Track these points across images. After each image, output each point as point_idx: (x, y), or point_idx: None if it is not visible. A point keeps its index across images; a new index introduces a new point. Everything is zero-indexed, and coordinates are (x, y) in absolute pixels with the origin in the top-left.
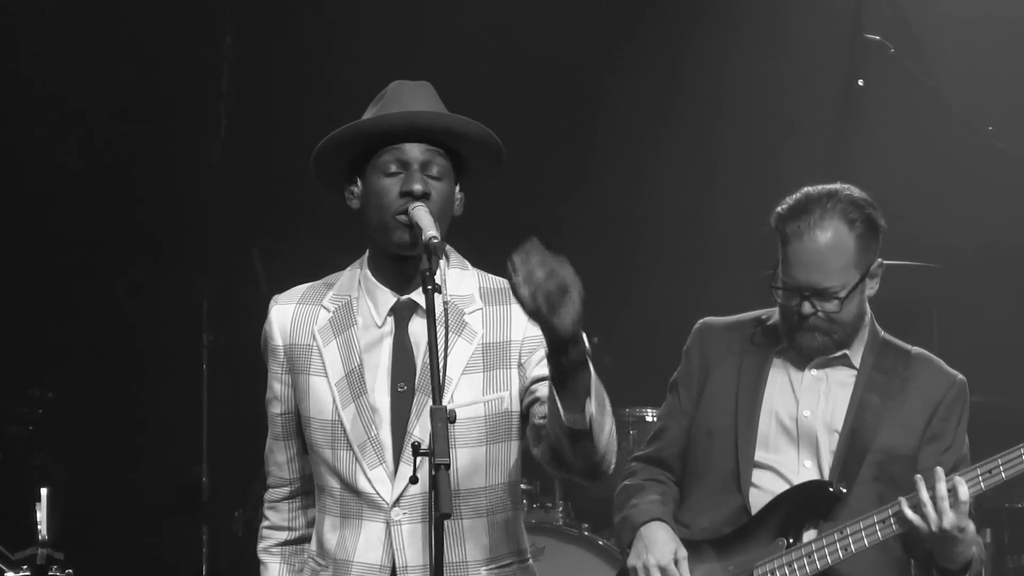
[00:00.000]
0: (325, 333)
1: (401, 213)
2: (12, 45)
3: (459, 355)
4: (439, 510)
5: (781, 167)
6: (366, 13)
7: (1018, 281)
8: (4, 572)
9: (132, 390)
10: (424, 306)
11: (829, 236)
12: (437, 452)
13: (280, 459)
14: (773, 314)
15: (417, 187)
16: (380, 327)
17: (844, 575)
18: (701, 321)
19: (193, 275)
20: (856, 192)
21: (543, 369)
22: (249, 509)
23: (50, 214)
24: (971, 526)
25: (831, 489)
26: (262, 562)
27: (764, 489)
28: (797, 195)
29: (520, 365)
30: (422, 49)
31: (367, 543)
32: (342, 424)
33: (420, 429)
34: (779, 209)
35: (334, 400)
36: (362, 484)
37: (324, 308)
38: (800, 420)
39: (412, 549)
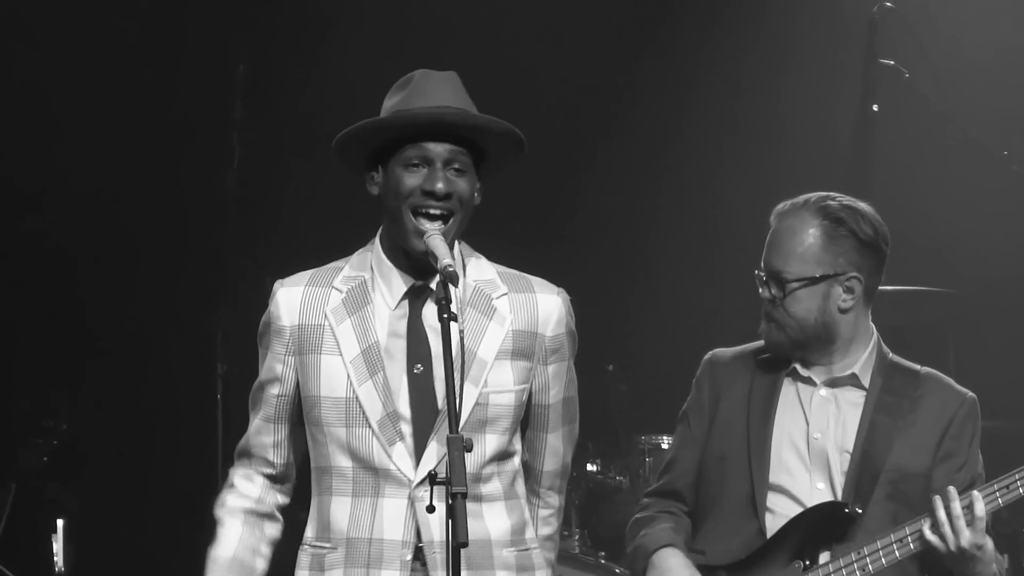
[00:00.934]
0: (338, 312)
1: (419, 215)
2: (33, 70)
3: (492, 339)
4: (456, 539)
5: (797, 192)
6: (380, 40)
7: None
8: None
9: (146, 420)
10: (444, 293)
11: (793, 222)
12: (454, 481)
13: (267, 441)
14: None
15: (440, 186)
16: (393, 310)
17: None
18: (710, 352)
19: (208, 305)
20: (847, 201)
21: (554, 396)
22: None
23: (63, 244)
24: (989, 544)
25: (846, 510)
26: (219, 520)
27: (777, 512)
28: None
29: (540, 362)
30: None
31: (390, 520)
32: (358, 401)
33: (463, 412)
34: None
35: (349, 377)
36: (381, 460)
37: (335, 289)
38: (811, 442)
39: (438, 525)
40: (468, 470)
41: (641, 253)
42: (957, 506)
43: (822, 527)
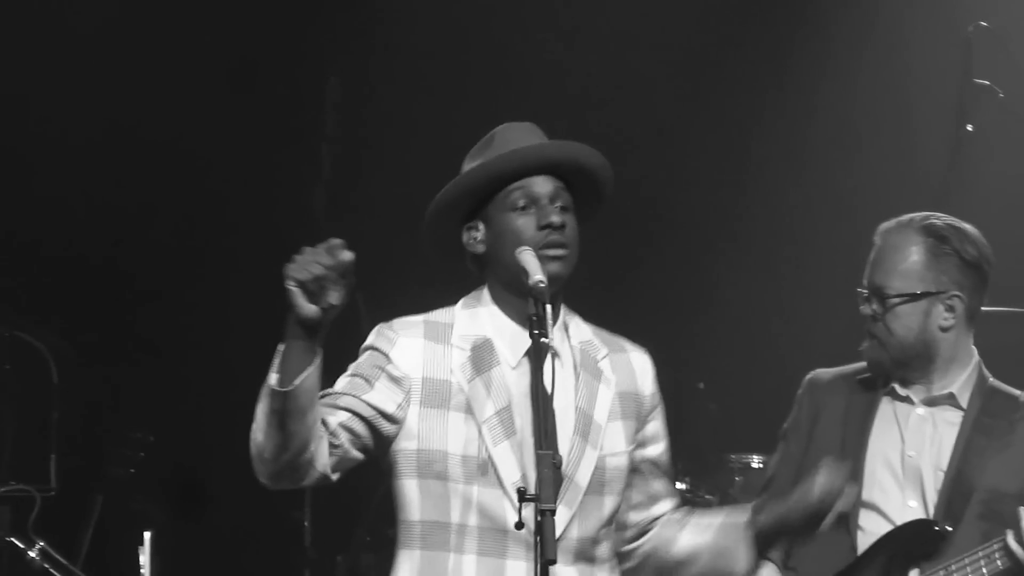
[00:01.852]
0: (466, 370)
1: (546, 247)
2: (115, 87)
3: (603, 401)
4: (544, 556)
5: (890, 214)
6: (472, 50)
7: None
8: None
9: (231, 433)
10: (556, 350)
11: (897, 239)
12: (543, 498)
13: (336, 415)
14: None
15: (556, 219)
16: (515, 368)
17: None
18: (812, 372)
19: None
20: (951, 221)
21: (655, 449)
22: (351, 555)
23: (153, 261)
24: None
25: (936, 528)
26: None
27: (869, 530)
28: None
29: (643, 423)
30: (528, 83)
31: None
32: (492, 462)
33: (585, 475)
34: None
35: (481, 436)
36: (509, 514)
37: (456, 348)
38: (906, 460)
39: None
40: (587, 534)
41: (733, 270)
42: None
43: (912, 545)
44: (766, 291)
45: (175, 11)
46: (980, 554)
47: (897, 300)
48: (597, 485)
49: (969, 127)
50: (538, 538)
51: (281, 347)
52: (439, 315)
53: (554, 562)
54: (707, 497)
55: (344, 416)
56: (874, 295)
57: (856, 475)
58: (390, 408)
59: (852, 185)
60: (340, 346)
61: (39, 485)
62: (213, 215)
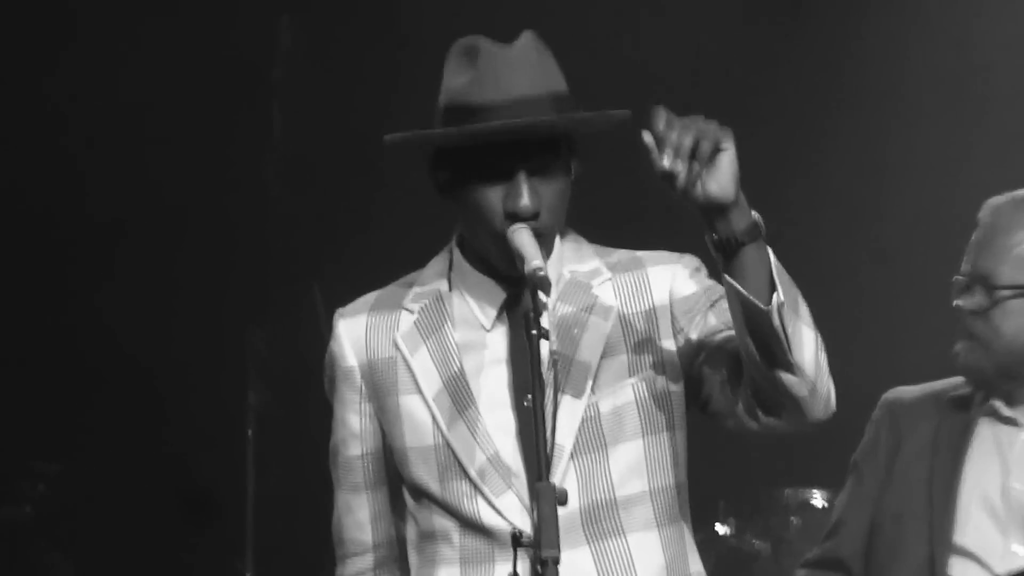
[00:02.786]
0: (410, 338)
1: (503, 237)
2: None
3: (594, 336)
4: None
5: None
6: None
7: None
8: None
9: (160, 463)
10: (532, 305)
11: (1010, 219)
12: (544, 543)
13: (362, 517)
14: None
15: (524, 204)
16: (489, 330)
17: None
18: (891, 391)
19: (237, 318)
20: None
21: (714, 318)
22: None
23: (55, 229)
24: None
25: None
26: None
27: None
28: None
29: (677, 332)
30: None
31: None
32: (449, 447)
33: (567, 432)
34: None
35: (434, 419)
36: (489, 518)
37: (406, 310)
38: (1009, 494)
39: None
40: (597, 502)
41: (791, 252)
42: None
43: None
44: (834, 283)
45: None
46: None
47: (1008, 293)
48: (593, 440)
49: None
50: None
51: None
52: (408, 277)
53: None
54: (756, 544)
55: (366, 509)
56: (978, 285)
57: (947, 514)
58: (359, 424)
59: (937, 176)
60: (296, 350)
61: None
62: (120, 188)
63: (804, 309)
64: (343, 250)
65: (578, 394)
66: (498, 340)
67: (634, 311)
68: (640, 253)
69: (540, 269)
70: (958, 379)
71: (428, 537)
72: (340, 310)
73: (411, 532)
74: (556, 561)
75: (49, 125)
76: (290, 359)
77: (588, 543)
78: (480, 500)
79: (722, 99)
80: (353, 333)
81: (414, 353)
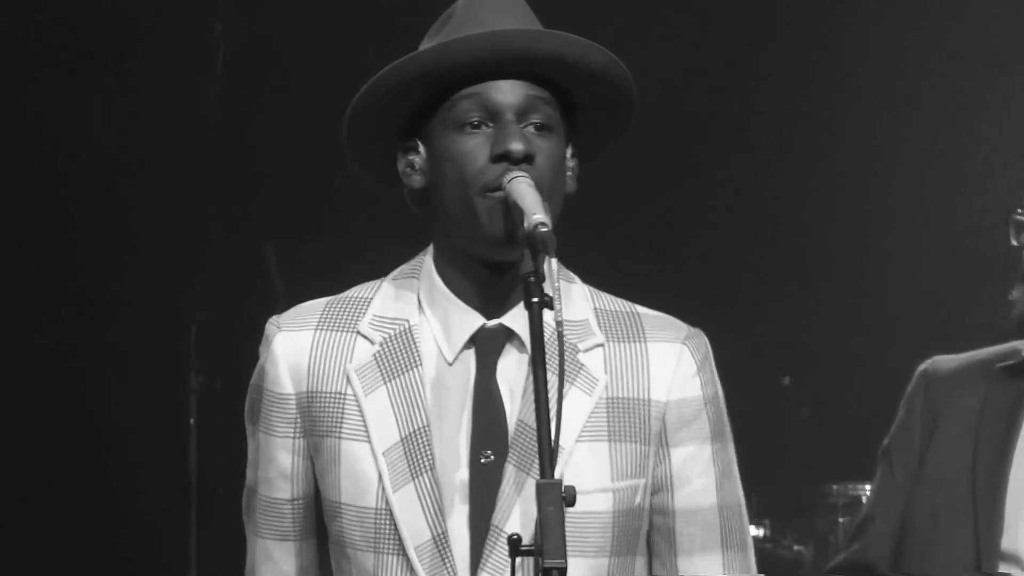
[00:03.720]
0: (367, 375)
1: (495, 189)
2: None
3: (574, 413)
4: None
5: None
6: None
7: None
8: None
9: (89, 459)
10: (523, 334)
11: None
12: (548, 551)
13: (286, 569)
14: None
15: (516, 145)
16: (451, 364)
17: None
18: (928, 361)
19: (175, 286)
20: None
21: (686, 499)
22: None
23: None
24: None
25: None
26: None
27: None
28: None
29: (661, 446)
30: None
31: None
32: (391, 514)
33: (514, 518)
34: None
35: (380, 478)
36: None
37: (363, 337)
38: None
39: None
40: None
41: (832, 223)
42: None
43: None
44: (886, 253)
45: None
46: None
47: None
48: None
49: None
50: None
51: None
52: (358, 290)
53: None
54: (795, 549)
55: (291, 561)
56: None
57: (994, 512)
58: (290, 463)
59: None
60: (245, 323)
61: None
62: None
63: None
64: (299, 209)
65: (548, 474)
66: (459, 375)
67: (622, 395)
68: (641, 312)
69: (543, 224)
70: (1011, 345)
71: None
72: (277, 319)
73: None
74: (562, 572)
75: None
76: (235, 331)
77: None
78: None
79: (722, 98)
80: (293, 353)
81: (369, 394)
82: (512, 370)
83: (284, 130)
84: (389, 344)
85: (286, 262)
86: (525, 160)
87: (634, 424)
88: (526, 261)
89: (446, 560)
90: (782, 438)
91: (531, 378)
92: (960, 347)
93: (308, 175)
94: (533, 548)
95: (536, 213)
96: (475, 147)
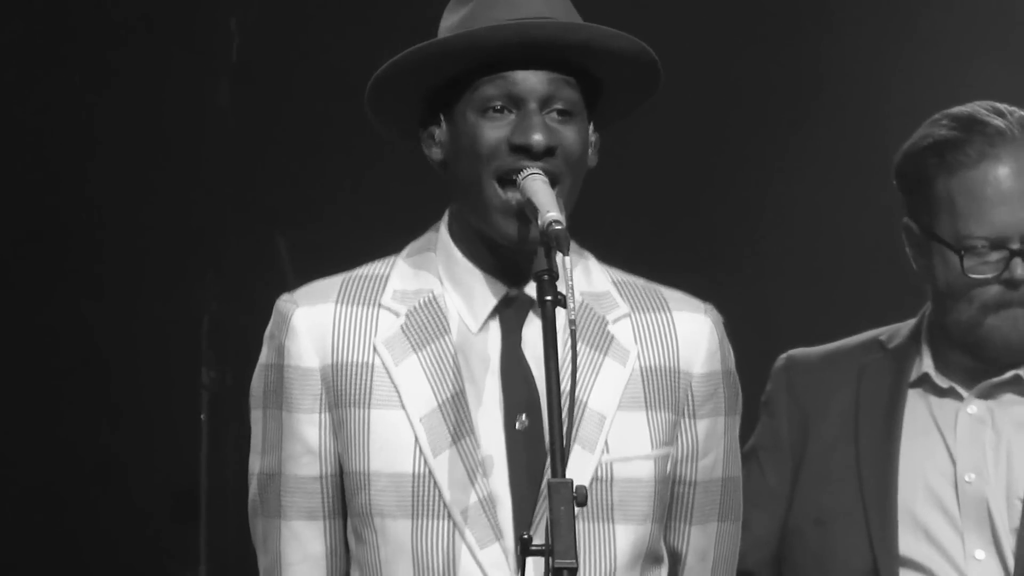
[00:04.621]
0: (396, 346)
1: (509, 179)
2: None
3: (611, 383)
4: None
5: None
6: None
7: None
8: None
9: (96, 455)
10: (547, 265)
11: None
12: (558, 551)
13: (315, 551)
14: (897, 332)
15: (537, 137)
16: (476, 333)
17: None
18: (783, 357)
19: (186, 278)
20: None
21: (705, 469)
22: None
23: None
24: None
25: None
26: None
27: None
28: (949, 117)
29: (690, 414)
30: None
31: None
32: (434, 480)
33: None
34: (918, 142)
35: (418, 443)
36: (467, 570)
37: (387, 310)
38: (961, 487)
39: None
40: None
41: (853, 192)
42: None
43: None
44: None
45: None
46: None
47: None
48: (601, 508)
49: None
50: None
51: None
52: (371, 267)
53: None
54: None
55: (321, 542)
56: (1017, 248)
57: (887, 514)
58: (317, 439)
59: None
60: (257, 317)
61: None
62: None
63: None
64: (311, 202)
65: (590, 448)
66: (487, 345)
67: (656, 364)
68: (660, 288)
69: (557, 222)
70: (871, 334)
71: None
72: (290, 296)
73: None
74: (573, 572)
75: None
76: (248, 325)
77: None
78: (460, 548)
79: (719, 97)
80: (316, 327)
81: (399, 363)
82: (536, 338)
83: (298, 123)
84: (416, 314)
85: (298, 255)
86: (547, 153)
87: (666, 393)
88: (540, 257)
89: (491, 522)
90: None
91: (563, 364)
92: None
93: (322, 168)
94: (543, 548)
95: (551, 211)
96: (496, 132)
